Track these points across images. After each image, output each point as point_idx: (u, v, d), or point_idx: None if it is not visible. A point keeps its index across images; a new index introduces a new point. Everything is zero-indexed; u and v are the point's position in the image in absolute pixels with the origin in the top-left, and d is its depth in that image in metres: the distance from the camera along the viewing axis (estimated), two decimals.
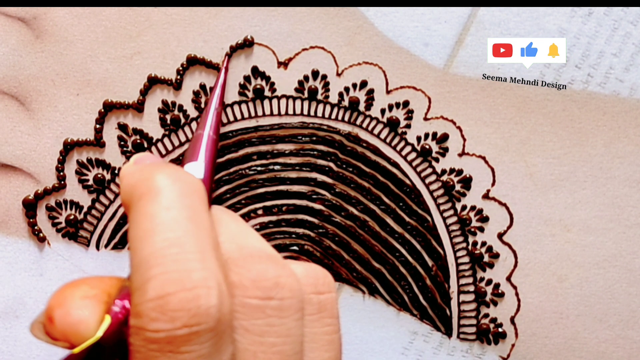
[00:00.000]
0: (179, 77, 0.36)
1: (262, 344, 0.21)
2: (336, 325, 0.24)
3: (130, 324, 0.20)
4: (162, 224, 0.21)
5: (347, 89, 0.37)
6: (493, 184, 0.37)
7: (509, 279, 0.37)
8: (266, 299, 0.22)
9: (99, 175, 0.37)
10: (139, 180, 0.22)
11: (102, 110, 0.36)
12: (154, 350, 0.20)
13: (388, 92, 0.37)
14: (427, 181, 0.37)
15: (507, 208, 0.37)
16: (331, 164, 0.37)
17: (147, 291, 0.20)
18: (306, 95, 0.37)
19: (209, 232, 0.22)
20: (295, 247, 0.38)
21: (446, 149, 0.37)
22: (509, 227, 0.37)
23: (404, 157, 0.37)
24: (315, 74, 0.36)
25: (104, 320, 0.21)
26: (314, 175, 0.37)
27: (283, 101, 0.37)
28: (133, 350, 0.20)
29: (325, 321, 0.24)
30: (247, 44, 0.36)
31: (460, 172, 0.37)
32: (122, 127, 0.36)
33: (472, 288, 0.38)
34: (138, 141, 0.36)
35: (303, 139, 0.37)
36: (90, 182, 0.37)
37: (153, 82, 0.36)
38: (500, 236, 0.37)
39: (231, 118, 0.37)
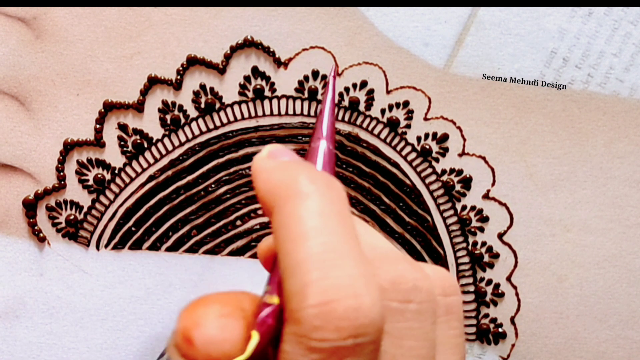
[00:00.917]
0: (179, 77, 0.36)
1: (401, 347, 0.21)
2: (461, 329, 0.24)
3: (288, 332, 0.20)
4: (316, 228, 0.20)
5: (347, 89, 0.37)
6: (493, 184, 0.37)
7: (509, 279, 0.38)
8: (406, 302, 0.21)
9: (99, 175, 0.37)
10: (283, 181, 0.22)
11: (102, 110, 0.36)
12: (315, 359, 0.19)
13: (388, 92, 0.37)
14: (427, 181, 0.37)
15: (507, 208, 0.37)
16: None
17: (308, 296, 0.19)
18: (306, 95, 0.37)
19: (357, 238, 0.21)
20: None
21: (446, 149, 0.37)
22: (509, 227, 0.37)
23: (404, 157, 0.37)
24: (315, 74, 0.36)
25: (252, 337, 0.20)
26: None
27: (283, 101, 0.37)
28: (286, 359, 0.19)
29: (452, 324, 0.23)
30: (247, 44, 0.36)
31: (460, 172, 0.37)
32: (122, 127, 0.36)
33: (472, 288, 0.38)
34: (138, 141, 0.36)
35: (303, 139, 0.37)
36: (90, 182, 0.37)
37: (153, 82, 0.36)
38: (500, 236, 0.37)
39: (231, 118, 0.37)
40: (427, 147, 0.37)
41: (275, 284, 0.22)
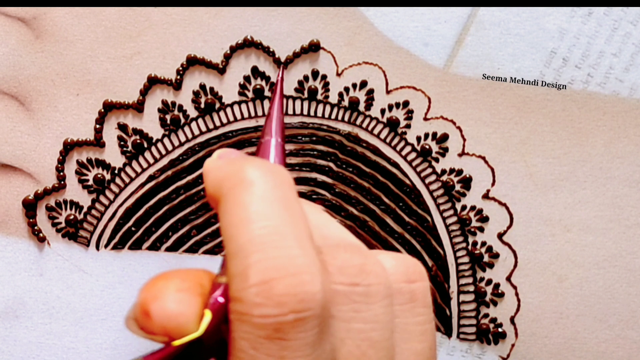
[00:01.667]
0: (179, 77, 0.36)
1: (350, 330, 0.21)
2: (429, 315, 0.24)
3: (233, 310, 0.20)
4: (258, 212, 0.21)
5: (347, 89, 0.37)
6: (493, 184, 0.37)
7: (509, 279, 0.37)
8: (352, 284, 0.21)
9: (99, 175, 0.37)
10: (229, 172, 0.22)
11: (102, 110, 0.36)
12: (261, 337, 0.19)
13: (388, 92, 0.37)
14: (427, 181, 0.37)
15: (507, 208, 0.37)
16: (331, 164, 0.37)
17: (249, 277, 0.20)
18: (306, 95, 0.37)
19: (304, 221, 0.22)
20: None
21: (446, 149, 0.37)
22: (509, 227, 0.37)
23: (404, 157, 0.37)
24: (315, 74, 0.36)
25: (205, 315, 0.21)
26: (314, 175, 0.37)
27: (283, 101, 0.37)
28: (237, 338, 0.20)
29: (417, 311, 0.23)
30: (247, 44, 0.36)
31: (460, 172, 0.37)
32: (122, 127, 0.36)
33: (472, 288, 0.38)
34: (138, 141, 0.36)
35: (303, 139, 0.37)
36: (90, 182, 0.37)
37: (153, 82, 0.36)
38: (500, 236, 0.37)
39: (231, 118, 0.37)
40: (427, 147, 0.37)
41: (225, 265, 0.22)
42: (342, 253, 0.22)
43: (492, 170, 0.37)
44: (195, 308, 0.21)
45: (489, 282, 0.38)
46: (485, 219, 0.37)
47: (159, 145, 0.37)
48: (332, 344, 0.21)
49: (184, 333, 0.21)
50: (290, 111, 0.37)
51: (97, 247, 0.37)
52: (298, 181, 0.37)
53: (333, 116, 0.37)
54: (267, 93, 0.37)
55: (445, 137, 0.37)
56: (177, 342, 0.20)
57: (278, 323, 0.19)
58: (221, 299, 0.21)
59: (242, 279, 0.20)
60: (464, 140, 0.37)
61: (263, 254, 0.20)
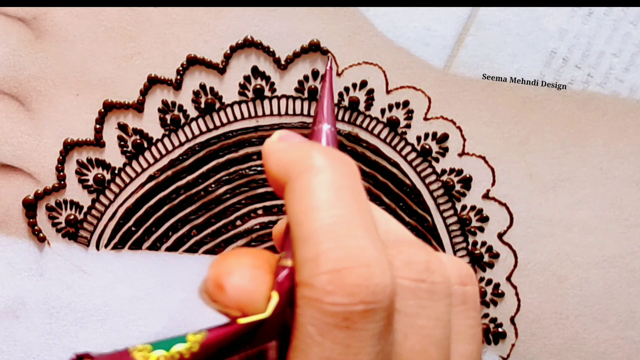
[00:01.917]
0: (179, 77, 0.36)
1: (413, 325, 0.21)
2: (478, 319, 0.24)
3: (302, 295, 0.20)
4: (328, 200, 0.21)
5: (347, 89, 0.37)
6: (493, 184, 0.37)
7: (509, 279, 0.37)
8: (418, 280, 0.22)
9: (99, 175, 0.37)
10: (296, 156, 0.23)
11: (102, 110, 0.36)
12: (329, 324, 0.20)
13: (388, 92, 0.37)
14: (427, 181, 0.37)
15: (507, 208, 0.37)
16: None
17: (321, 264, 0.20)
18: (306, 95, 0.37)
19: (370, 213, 0.22)
20: None
21: (446, 149, 0.37)
22: (509, 227, 0.37)
23: (404, 157, 0.37)
24: (315, 74, 0.36)
25: (272, 298, 0.21)
26: None
27: (283, 101, 0.37)
28: (304, 323, 0.20)
29: (468, 313, 0.24)
30: (247, 44, 0.36)
31: (460, 172, 0.37)
32: (122, 127, 0.36)
33: None
34: (138, 141, 0.36)
35: None
36: (90, 182, 0.37)
37: (153, 82, 0.36)
38: (500, 236, 0.37)
39: (231, 118, 0.37)
40: (427, 147, 0.37)
41: (289, 249, 0.22)
42: (407, 248, 0.22)
43: (492, 170, 0.37)
44: (267, 286, 0.21)
45: (489, 282, 0.38)
46: (485, 219, 0.37)
47: (159, 145, 0.37)
48: (395, 337, 0.21)
49: (256, 309, 0.21)
50: (290, 111, 0.37)
51: (97, 247, 0.37)
52: None
53: None
54: (267, 93, 0.37)
55: (445, 137, 0.37)
56: (243, 320, 0.21)
57: (348, 312, 0.19)
58: (287, 282, 0.21)
59: (314, 265, 0.20)
60: (464, 140, 0.37)
61: (334, 242, 0.20)
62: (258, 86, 0.36)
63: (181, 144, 0.37)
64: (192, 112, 0.37)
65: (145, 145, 0.37)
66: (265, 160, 0.24)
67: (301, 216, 0.21)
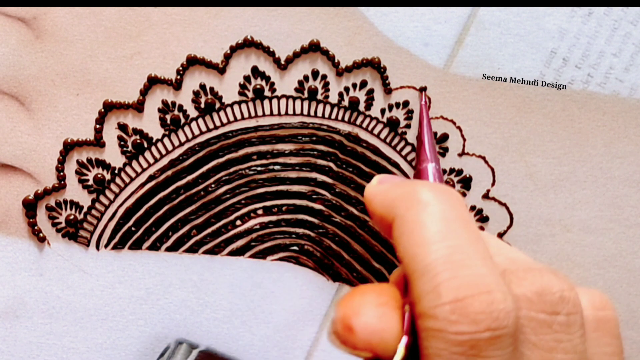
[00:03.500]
0: (179, 77, 0.36)
1: None
2: (617, 347, 0.24)
3: (425, 327, 0.20)
4: (440, 232, 0.21)
5: (347, 89, 0.37)
6: (493, 184, 0.37)
7: None
8: (553, 313, 0.21)
9: (99, 175, 0.37)
10: (401, 194, 0.23)
11: (102, 110, 0.36)
12: (456, 353, 0.20)
13: (388, 92, 0.37)
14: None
15: (507, 208, 0.37)
16: (331, 164, 0.37)
17: (442, 294, 0.20)
18: (306, 95, 0.37)
19: (482, 241, 0.22)
20: (295, 247, 0.38)
21: (446, 149, 0.37)
22: (509, 227, 0.37)
23: (404, 157, 0.37)
24: (315, 74, 0.36)
25: (402, 336, 0.21)
26: (314, 175, 0.37)
27: (283, 101, 0.37)
28: (431, 354, 0.20)
29: (603, 340, 0.23)
30: (247, 44, 0.36)
31: (460, 172, 0.37)
32: (122, 127, 0.36)
33: None
34: (138, 141, 0.36)
35: (303, 139, 0.37)
36: (90, 182, 0.37)
37: (153, 82, 0.36)
38: (500, 236, 0.37)
39: (231, 118, 0.37)
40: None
41: (404, 284, 0.22)
42: (538, 277, 0.22)
43: (492, 170, 0.37)
44: (396, 322, 0.21)
45: None
46: (485, 219, 0.37)
47: (159, 145, 0.37)
48: None
49: (387, 348, 0.21)
50: (290, 111, 0.37)
51: (97, 247, 0.37)
52: (298, 181, 0.37)
53: (333, 116, 0.37)
54: (267, 93, 0.37)
55: (445, 137, 0.37)
56: None
57: (474, 340, 0.20)
58: (408, 317, 0.21)
59: (434, 296, 0.20)
60: (464, 140, 0.37)
61: (453, 272, 0.20)
62: (258, 86, 0.36)
63: (181, 144, 0.37)
64: (192, 112, 0.37)
65: (145, 145, 0.37)
66: (369, 204, 0.25)
67: (415, 249, 0.21)
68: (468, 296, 0.20)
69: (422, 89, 0.36)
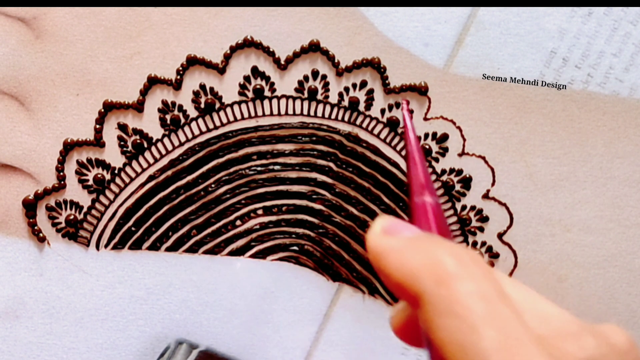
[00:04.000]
0: (179, 77, 0.36)
1: None
2: None
3: None
4: (487, 315, 0.20)
5: (347, 89, 0.37)
6: (493, 184, 0.37)
7: None
8: None
9: (99, 175, 0.37)
10: (423, 264, 0.22)
11: (102, 110, 0.36)
12: None
13: (388, 92, 0.37)
14: None
15: (507, 208, 0.37)
16: (331, 164, 0.37)
17: None
18: (306, 95, 0.37)
19: (522, 316, 0.21)
20: (295, 247, 0.38)
21: (446, 149, 0.37)
22: (509, 227, 0.37)
23: (404, 157, 0.37)
24: (315, 74, 0.36)
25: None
26: (314, 175, 0.37)
27: (283, 101, 0.37)
28: None
29: None
30: (247, 44, 0.36)
31: (460, 172, 0.37)
32: (122, 127, 0.36)
33: None
34: (138, 141, 0.36)
35: (303, 139, 0.37)
36: (90, 182, 0.37)
37: (153, 82, 0.36)
38: (500, 236, 0.37)
39: (231, 118, 0.37)
40: (427, 147, 0.37)
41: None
42: (577, 343, 0.22)
43: (492, 170, 0.37)
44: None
45: None
46: (485, 219, 0.37)
47: (159, 145, 0.37)
48: None
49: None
50: (290, 111, 0.37)
51: (97, 247, 0.37)
52: (298, 181, 0.37)
53: (333, 116, 0.37)
54: (267, 93, 0.37)
55: (445, 137, 0.37)
56: None
57: None
58: None
59: None
60: (464, 140, 0.37)
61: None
62: (258, 86, 0.36)
63: (181, 144, 0.37)
64: (192, 112, 0.37)
65: (145, 145, 0.37)
66: (379, 261, 0.23)
67: (462, 336, 0.20)
68: None
69: (407, 102, 0.34)
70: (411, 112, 0.36)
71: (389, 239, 0.23)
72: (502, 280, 0.23)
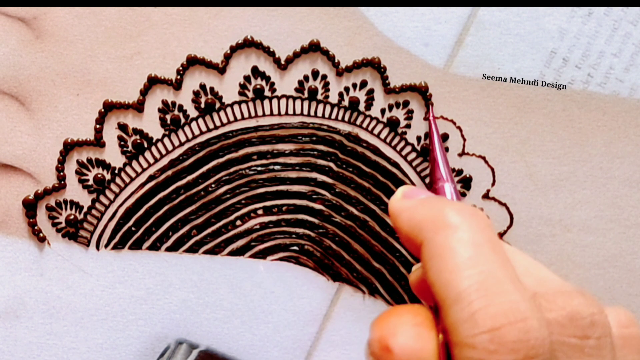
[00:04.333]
0: (179, 77, 0.36)
1: None
2: None
3: (463, 356, 0.20)
4: (471, 258, 0.21)
5: (347, 89, 0.37)
6: (493, 184, 0.37)
7: None
8: (584, 337, 0.22)
9: (99, 175, 0.37)
10: (428, 215, 0.23)
11: (102, 110, 0.36)
12: None
13: (388, 92, 0.37)
14: (427, 181, 0.37)
15: (507, 208, 0.37)
16: (331, 164, 0.37)
17: (478, 323, 0.20)
18: (306, 95, 0.37)
19: (511, 265, 0.22)
20: (295, 247, 0.38)
21: (446, 149, 0.37)
22: (509, 227, 0.37)
23: (404, 157, 0.37)
24: (315, 74, 0.36)
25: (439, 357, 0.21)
26: (314, 175, 0.37)
27: (283, 101, 0.37)
28: None
29: (630, 357, 0.23)
30: (247, 44, 0.36)
31: (460, 172, 0.37)
32: (122, 127, 0.36)
33: None
34: (138, 141, 0.36)
35: (303, 139, 0.37)
36: (90, 182, 0.37)
37: (153, 82, 0.36)
38: (500, 236, 0.37)
39: (231, 118, 0.37)
40: (427, 146, 0.37)
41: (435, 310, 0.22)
42: (568, 300, 0.22)
43: (492, 170, 0.37)
44: (432, 342, 0.22)
45: None
46: None
47: (159, 145, 0.37)
48: None
49: None
50: (290, 111, 0.37)
51: (97, 247, 0.37)
52: (298, 181, 0.37)
53: (333, 116, 0.37)
54: (267, 93, 0.37)
55: (445, 137, 0.37)
56: None
57: None
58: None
59: (471, 325, 0.20)
60: (464, 140, 0.37)
61: (487, 299, 0.20)
62: (258, 86, 0.36)
63: (181, 144, 0.37)
64: (192, 112, 0.37)
65: (145, 145, 0.37)
66: (395, 219, 0.25)
67: (447, 276, 0.21)
68: (505, 324, 0.20)
69: (431, 102, 0.36)
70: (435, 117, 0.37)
71: (405, 201, 0.25)
72: (508, 248, 0.24)
